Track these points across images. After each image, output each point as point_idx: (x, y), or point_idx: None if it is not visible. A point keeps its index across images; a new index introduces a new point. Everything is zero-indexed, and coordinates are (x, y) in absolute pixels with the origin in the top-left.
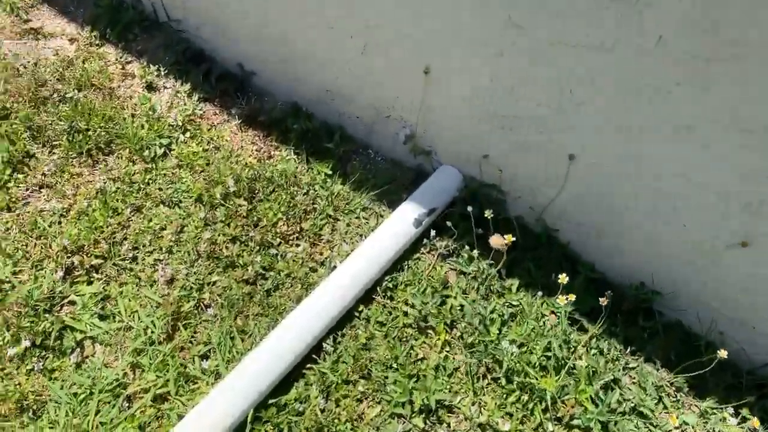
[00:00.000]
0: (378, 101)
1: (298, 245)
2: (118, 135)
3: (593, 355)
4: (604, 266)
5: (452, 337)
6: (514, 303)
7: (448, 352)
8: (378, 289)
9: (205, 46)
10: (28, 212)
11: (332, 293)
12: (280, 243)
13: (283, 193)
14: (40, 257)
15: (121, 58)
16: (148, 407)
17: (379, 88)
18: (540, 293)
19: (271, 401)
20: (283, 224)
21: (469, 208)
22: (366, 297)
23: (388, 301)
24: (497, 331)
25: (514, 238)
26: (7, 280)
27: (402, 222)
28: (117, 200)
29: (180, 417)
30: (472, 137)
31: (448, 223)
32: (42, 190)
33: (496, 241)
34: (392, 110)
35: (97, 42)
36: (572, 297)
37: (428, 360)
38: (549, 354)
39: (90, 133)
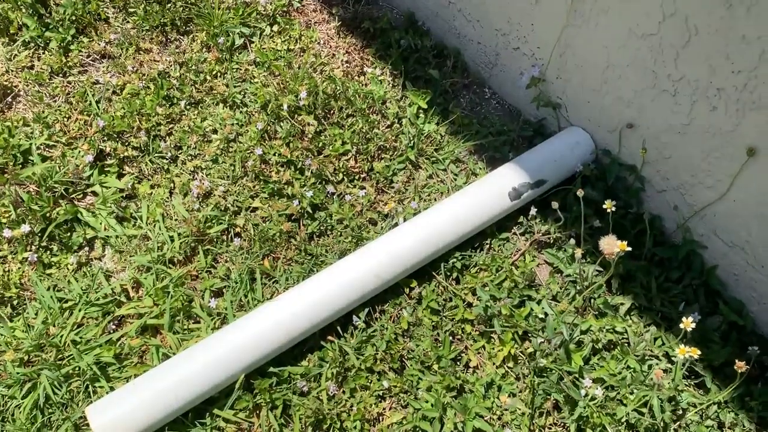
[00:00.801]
0: (508, 26)
1: (362, 188)
2: (200, 14)
3: (708, 428)
4: (757, 310)
5: (520, 352)
6: (618, 329)
7: (509, 369)
8: (442, 266)
9: None
10: (82, 81)
11: (382, 258)
12: (342, 180)
13: (361, 120)
14: (75, 134)
15: None
16: (133, 337)
17: (513, 9)
18: (655, 326)
19: (272, 369)
20: (351, 158)
21: (590, 191)
22: (423, 272)
23: (452, 284)
24: (582, 362)
25: (629, 248)
26: (38, 151)
27: (496, 188)
28: (176, 88)
29: (165, 358)
30: (618, 96)
31: (555, 205)
32: (103, 60)
33: (609, 245)
34: (524, 41)
35: None
36: (695, 352)
37: (481, 373)
38: (644, 410)
39: (170, 6)
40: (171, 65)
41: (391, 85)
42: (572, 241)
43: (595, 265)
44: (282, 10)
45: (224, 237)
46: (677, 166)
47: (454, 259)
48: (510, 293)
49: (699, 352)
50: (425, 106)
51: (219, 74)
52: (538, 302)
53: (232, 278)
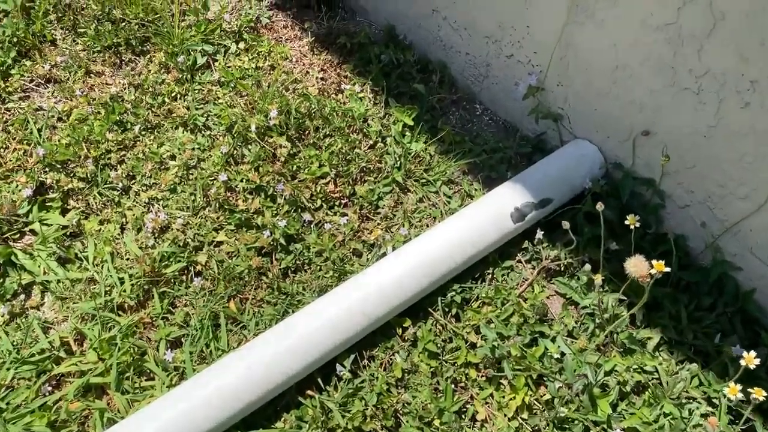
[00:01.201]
0: (500, 32)
1: (344, 215)
2: (158, 32)
3: None
4: None
5: (536, 400)
6: (647, 368)
7: (524, 421)
8: (440, 301)
9: None
10: (22, 108)
11: (369, 293)
12: (320, 207)
13: (340, 140)
14: (12, 166)
15: None
16: (73, 400)
17: (505, 11)
18: (689, 361)
19: None
20: (330, 182)
21: (603, 208)
22: (418, 308)
23: (451, 322)
24: (610, 409)
25: (667, 268)
26: None
27: (496, 209)
28: (129, 112)
29: (111, 423)
30: (630, 100)
31: (566, 225)
32: (48, 84)
33: (637, 267)
34: (518, 47)
35: None
36: (759, 393)
37: (490, 427)
38: None
39: (124, 25)
40: (125, 88)
41: (372, 102)
42: (587, 266)
43: (618, 293)
44: (249, 26)
45: (183, 277)
46: (703, 175)
47: (453, 293)
48: (519, 330)
49: (765, 393)
50: (411, 123)
51: (179, 96)
52: (553, 339)
53: (192, 325)
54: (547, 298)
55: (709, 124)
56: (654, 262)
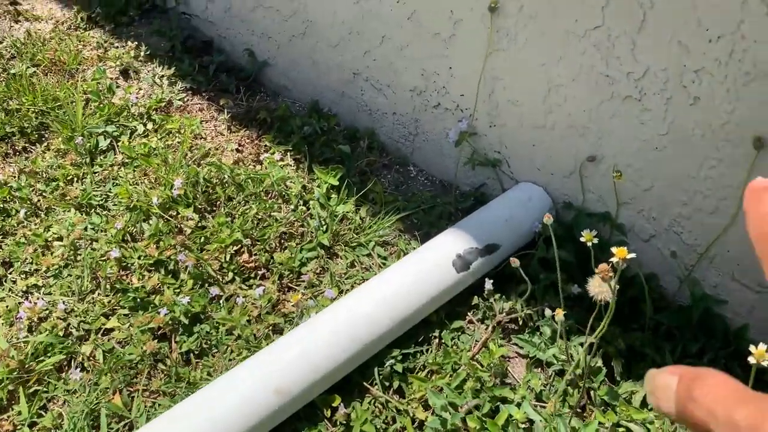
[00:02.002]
0: (423, 81)
1: (259, 286)
2: (59, 119)
3: None
4: None
5: None
6: (635, 420)
7: None
8: (376, 372)
9: (214, 33)
10: None
11: (283, 366)
12: (232, 280)
13: (255, 205)
14: None
15: (105, 42)
16: None
17: (425, 56)
18: None
19: None
20: (244, 251)
21: (558, 249)
22: (350, 382)
23: (393, 398)
24: None
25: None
26: None
27: (437, 257)
28: (16, 199)
29: None
30: (569, 125)
31: (516, 262)
32: None
33: (602, 285)
34: (443, 94)
35: (83, 25)
36: None
37: None
38: None
39: (20, 114)
40: (14, 175)
41: (294, 169)
42: (548, 311)
43: (583, 338)
44: (159, 107)
45: (61, 373)
46: (663, 196)
47: (392, 360)
48: (476, 397)
49: None
50: (336, 183)
51: (76, 179)
52: (518, 405)
53: (65, 428)
54: (508, 360)
55: (658, 133)
56: (614, 249)
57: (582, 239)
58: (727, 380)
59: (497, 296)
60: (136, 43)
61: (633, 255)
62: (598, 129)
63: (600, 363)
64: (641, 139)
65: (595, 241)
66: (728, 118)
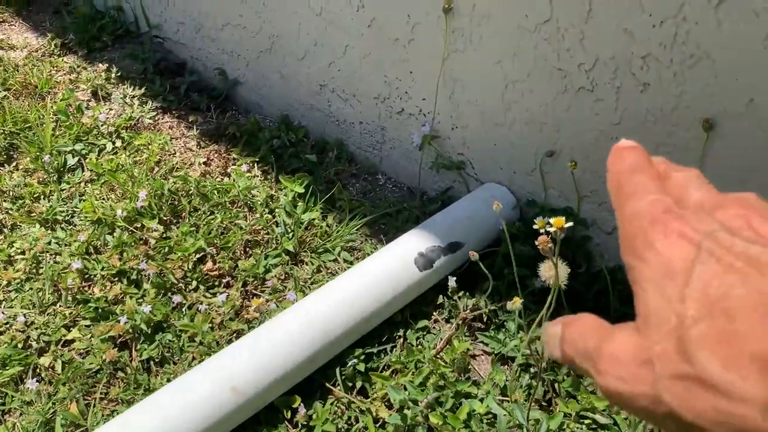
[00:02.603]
0: (387, 88)
1: (222, 293)
2: (28, 140)
3: None
4: None
5: None
6: (597, 418)
7: None
8: (338, 372)
9: (186, 54)
10: None
11: (240, 364)
12: (196, 288)
13: (220, 214)
14: None
15: (78, 67)
16: None
17: (387, 63)
18: None
19: None
20: (208, 260)
21: (522, 248)
22: (311, 383)
23: (356, 399)
24: None
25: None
26: None
27: (399, 255)
28: None
29: None
30: (527, 121)
31: (474, 256)
32: None
33: (546, 269)
34: (407, 99)
35: (57, 52)
36: None
37: None
38: None
39: None
40: None
41: (261, 179)
42: (510, 302)
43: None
44: (128, 125)
45: (19, 385)
46: None
47: (355, 360)
48: (439, 393)
49: None
50: (302, 190)
51: (42, 196)
52: (481, 400)
53: None
54: (473, 357)
55: (612, 122)
56: (551, 220)
57: (535, 226)
58: (594, 321)
59: (462, 294)
60: (107, 65)
61: (570, 224)
62: (554, 123)
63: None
64: (597, 130)
65: (551, 229)
66: (677, 102)
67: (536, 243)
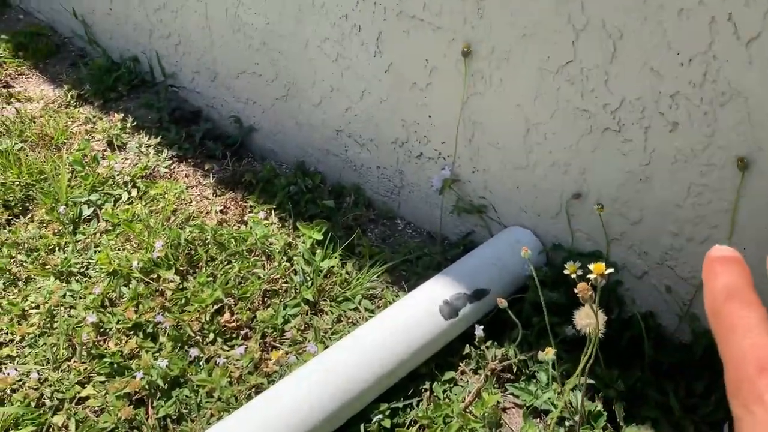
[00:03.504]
0: (404, 132)
1: (241, 345)
2: (43, 191)
3: None
4: None
5: None
6: None
7: None
8: (362, 430)
9: (201, 103)
10: None
11: (258, 427)
12: (213, 341)
13: (237, 264)
14: None
15: (94, 117)
16: None
17: (404, 107)
18: None
19: None
20: (226, 311)
21: (551, 295)
22: None
23: None
24: None
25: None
26: None
27: (423, 305)
28: None
29: None
30: (551, 164)
31: (502, 303)
32: None
33: (589, 316)
34: (425, 143)
35: (73, 103)
36: None
37: None
38: None
39: (4, 188)
40: None
41: (278, 227)
42: (541, 354)
43: (583, 385)
44: (144, 174)
45: None
46: (653, 228)
47: (380, 416)
48: None
49: None
50: (320, 238)
51: (58, 248)
52: None
53: None
54: (504, 411)
55: (641, 163)
56: (592, 266)
57: (566, 271)
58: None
59: (489, 343)
60: (123, 115)
61: (611, 270)
62: (580, 165)
63: (600, 407)
64: (625, 171)
65: (580, 272)
66: (709, 142)
67: (576, 290)
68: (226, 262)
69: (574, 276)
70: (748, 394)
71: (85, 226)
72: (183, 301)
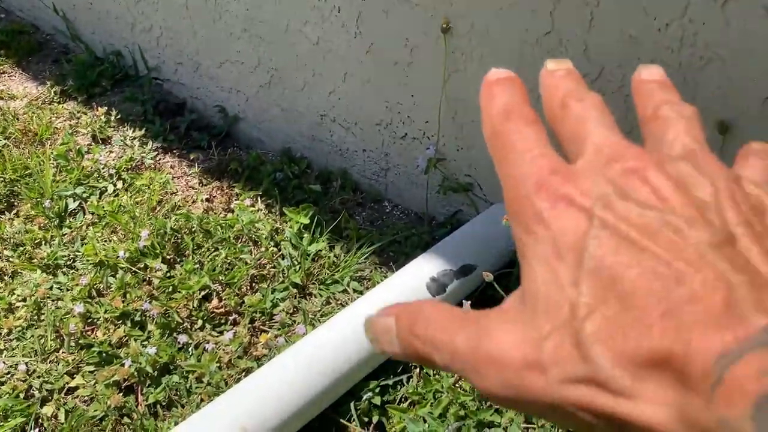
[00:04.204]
0: (388, 113)
1: (229, 330)
2: (28, 186)
3: None
4: None
5: None
6: None
7: None
8: (353, 407)
9: (186, 94)
10: None
11: (249, 405)
12: (202, 327)
13: (224, 250)
14: None
15: (78, 112)
16: None
17: (385, 89)
18: None
19: None
20: (214, 297)
21: None
22: (325, 421)
23: None
24: None
25: None
26: None
27: (410, 283)
28: None
29: None
30: None
31: (488, 276)
32: None
33: None
34: (409, 123)
35: (57, 99)
36: None
37: None
38: None
39: None
40: None
41: (265, 213)
42: None
43: None
44: (129, 166)
45: None
46: None
47: (369, 393)
48: (461, 424)
49: None
50: (307, 222)
51: (44, 241)
52: (505, 429)
53: None
54: None
55: (623, 131)
56: None
57: None
58: (444, 308)
59: None
60: (107, 109)
61: None
62: None
63: None
64: None
65: None
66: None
67: None
68: (212, 249)
69: None
70: (528, 214)
71: (71, 219)
72: (170, 288)
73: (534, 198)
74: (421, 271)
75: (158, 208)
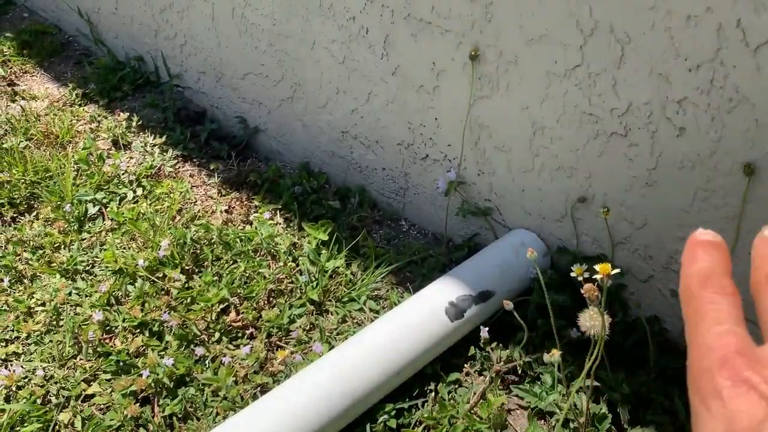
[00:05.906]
0: (410, 134)
1: (246, 345)
2: (49, 189)
3: None
4: None
5: None
6: None
7: None
8: (368, 430)
9: (207, 103)
10: None
11: (265, 428)
12: (219, 340)
13: (243, 263)
14: None
15: (99, 116)
16: None
17: (411, 110)
18: None
19: None
20: (231, 310)
21: (556, 297)
22: None
23: None
24: None
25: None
26: None
27: (428, 307)
28: (0, 268)
29: None
30: (556, 167)
31: (508, 305)
32: None
33: (593, 317)
34: (431, 145)
35: (78, 101)
36: None
37: None
38: None
39: (10, 185)
40: (0, 245)
41: (284, 227)
42: (546, 356)
43: (582, 387)
44: (149, 173)
45: None
46: (658, 232)
47: (385, 416)
48: None
49: None
50: (326, 238)
51: (63, 246)
52: None
53: None
54: (509, 412)
55: (647, 168)
56: (597, 267)
57: (573, 273)
58: None
59: (494, 345)
60: (128, 114)
61: (617, 270)
62: (586, 169)
63: (605, 410)
64: (631, 176)
65: (587, 275)
66: (716, 147)
67: (582, 291)
68: (231, 262)
69: (580, 278)
70: (707, 387)
71: (90, 224)
72: (189, 300)
73: (716, 373)
74: (440, 294)
75: (177, 218)
